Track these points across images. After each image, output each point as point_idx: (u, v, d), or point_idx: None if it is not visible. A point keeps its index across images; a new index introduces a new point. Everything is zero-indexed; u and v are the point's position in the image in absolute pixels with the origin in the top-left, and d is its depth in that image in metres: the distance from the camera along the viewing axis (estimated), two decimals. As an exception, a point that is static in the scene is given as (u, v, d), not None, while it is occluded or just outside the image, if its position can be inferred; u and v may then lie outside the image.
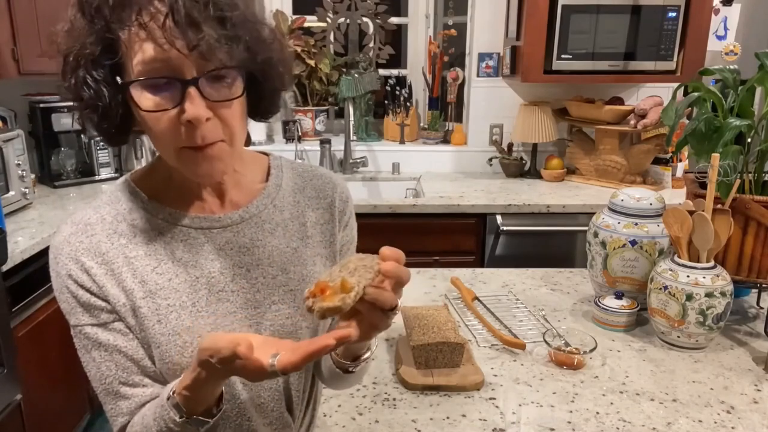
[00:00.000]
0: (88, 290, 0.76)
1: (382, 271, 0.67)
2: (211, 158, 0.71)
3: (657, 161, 2.82)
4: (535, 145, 2.97)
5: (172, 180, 0.81)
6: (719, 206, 1.24)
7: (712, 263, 1.24)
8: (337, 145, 3.02)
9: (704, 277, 1.21)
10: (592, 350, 1.20)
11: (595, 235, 1.44)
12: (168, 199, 0.81)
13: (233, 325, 0.80)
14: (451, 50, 3.13)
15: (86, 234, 0.77)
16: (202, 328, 0.78)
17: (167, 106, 0.68)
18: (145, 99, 0.68)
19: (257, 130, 3.00)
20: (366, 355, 0.82)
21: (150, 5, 0.65)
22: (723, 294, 1.21)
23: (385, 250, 0.68)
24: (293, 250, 0.85)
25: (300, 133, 3.08)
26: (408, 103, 3.16)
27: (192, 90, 0.67)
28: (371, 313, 0.68)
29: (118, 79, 0.69)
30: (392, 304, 0.68)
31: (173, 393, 0.72)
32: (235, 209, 0.83)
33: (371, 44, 3.15)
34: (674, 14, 2.53)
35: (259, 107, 0.80)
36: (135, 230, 0.79)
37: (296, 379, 0.86)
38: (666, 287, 1.25)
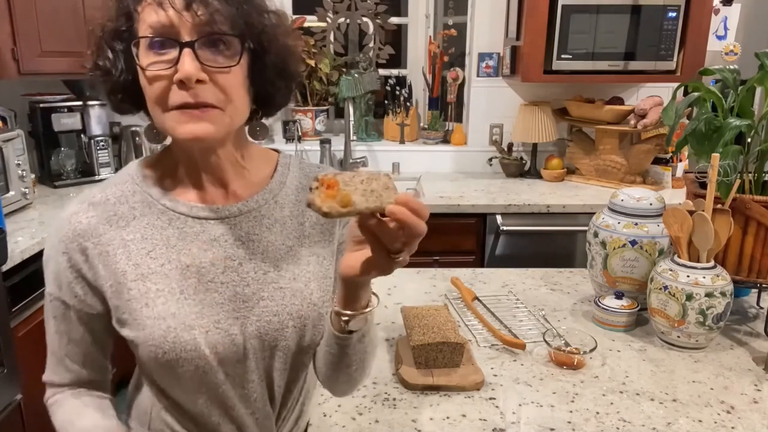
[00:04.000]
0: (75, 270, 0.81)
1: (387, 211, 0.63)
2: (199, 119, 0.73)
3: (657, 161, 2.82)
4: (535, 145, 2.97)
5: (178, 168, 0.84)
6: (719, 206, 1.24)
7: (712, 263, 1.24)
8: (337, 145, 3.02)
9: (704, 277, 1.21)
10: (592, 350, 1.20)
11: (595, 235, 1.44)
12: (172, 187, 0.84)
13: (218, 316, 0.81)
14: (451, 50, 3.13)
15: (87, 215, 0.81)
16: (187, 316, 0.79)
17: (165, 66, 0.72)
18: (146, 58, 0.73)
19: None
20: (366, 312, 0.78)
21: None
22: (723, 294, 1.21)
23: (402, 195, 0.64)
24: (288, 248, 0.86)
25: (300, 133, 3.08)
26: (408, 103, 3.16)
27: (187, 51, 0.71)
28: (376, 252, 0.67)
29: (134, 48, 0.74)
30: (393, 246, 0.65)
31: None
32: (237, 201, 0.84)
33: (371, 44, 3.15)
34: (674, 14, 2.53)
35: (266, 95, 0.82)
36: (135, 213, 0.82)
37: (278, 375, 0.86)
38: (666, 287, 1.25)
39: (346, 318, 0.77)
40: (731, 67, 1.35)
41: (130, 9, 0.74)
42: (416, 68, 3.28)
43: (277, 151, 0.93)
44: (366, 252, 0.68)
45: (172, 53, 0.71)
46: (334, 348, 0.82)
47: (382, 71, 3.21)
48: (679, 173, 2.79)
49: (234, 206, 0.83)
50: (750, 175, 1.33)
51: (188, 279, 0.80)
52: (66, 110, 2.71)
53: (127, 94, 0.78)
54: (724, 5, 2.80)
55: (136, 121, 2.99)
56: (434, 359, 1.15)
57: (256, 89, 0.80)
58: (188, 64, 0.70)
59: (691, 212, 1.26)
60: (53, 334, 0.86)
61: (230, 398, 0.84)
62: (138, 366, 0.88)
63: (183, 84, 0.71)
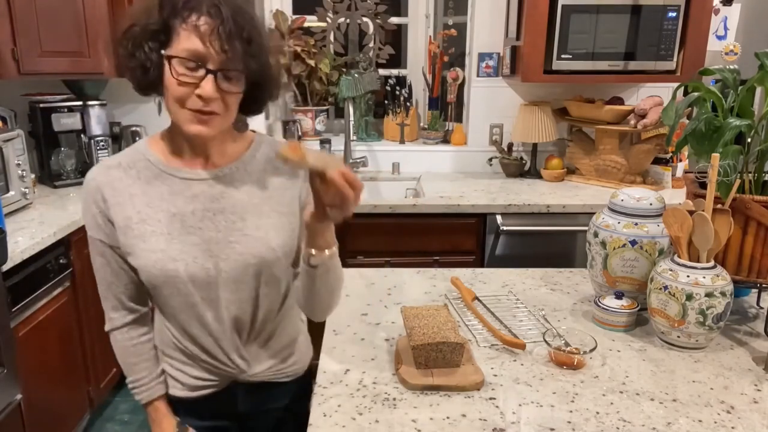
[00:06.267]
0: (102, 214, 1.08)
1: (328, 176, 0.92)
2: (204, 122, 1.00)
3: (657, 161, 2.82)
4: (535, 145, 2.97)
5: (175, 144, 1.10)
6: (719, 206, 1.24)
7: (712, 263, 1.24)
8: (337, 145, 3.02)
9: (704, 277, 1.22)
10: (592, 350, 1.20)
11: (595, 235, 1.44)
12: (168, 156, 1.10)
13: (196, 253, 1.07)
14: (451, 50, 3.13)
15: (106, 174, 1.09)
16: (172, 251, 1.06)
17: (193, 80, 0.97)
18: (180, 69, 0.97)
19: (258, 130, 3.00)
20: (325, 253, 1.05)
21: (207, 15, 0.95)
22: (723, 294, 1.21)
23: (343, 167, 0.92)
24: (254, 205, 1.11)
25: (300, 133, 3.08)
26: (408, 103, 3.16)
27: (211, 77, 0.97)
28: (317, 205, 0.98)
29: (164, 52, 0.97)
30: (328, 201, 0.95)
31: (144, 386, 1.18)
32: (215, 168, 1.10)
33: (371, 44, 3.15)
34: (674, 14, 2.54)
35: (250, 106, 1.09)
36: (140, 174, 1.09)
37: (244, 303, 1.12)
38: (666, 287, 1.25)
39: (312, 254, 1.04)
40: (731, 67, 1.35)
41: (170, 23, 0.97)
42: (416, 68, 3.28)
43: (254, 131, 1.19)
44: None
45: (199, 73, 0.97)
46: (305, 279, 1.10)
47: (382, 71, 3.21)
48: (679, 173, 2.79)
49: (212, 172, 1.10)
50: (750, 175, 1.33)
51: (174, 224, 1.07)
52: (66, 110, 2.71)
53: (150, 82, 1.01)
54: (724, 5, 2.80)
55: (136, 121, 3.00)
56: (434, 359, 1.15)
57: (246, 102, 1.06)
58: (210, 87, 0.97)
59: (691, 212, 1.26)
60: (101, 267, 1.13)
61: (205, 316, 1.10)
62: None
63: (201, 97, 0.97)
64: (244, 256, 1.08)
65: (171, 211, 1.07)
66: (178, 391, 1.20)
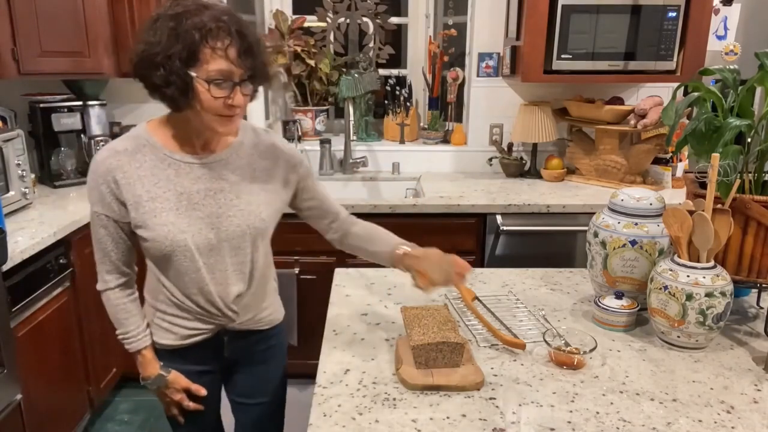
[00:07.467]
0: (112, 193, 1.22)
1: (453, 278, 1.29)
2: (232, 122, 1.19)
3: (657, 161, 2.81)
4: (535, 145, 2.97)
5: (177, 132, 1.26)
6: (719, 206, 1.24)
7: (712, 263, 1.24)
8: (337, 145, 3.02)
9: (704, 277, 1.22)
10: (592, 350, 1.21)
11: (595, 235, 1.44)
12: (170, 142, 1.26)
13: (201, 226, 1.25)
14: (451, 50, 3.13)
15: (116, 158, 1.23)
16: (181, 224, 1.23)
17: (225, 94, 1.15)
18: (213, 88, 1.13)
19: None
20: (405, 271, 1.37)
21: (228, 39, 1.12)
22: (723, 294, 1.21)
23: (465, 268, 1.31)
24: (245, 185, 1.30)
25: (300, 133, 3.08)
26: (408, 103, 3.16)
27: (238, 88, 1.16)
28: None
29: (193, 73, 1.12)
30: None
31: (136, 338, 1.34)
32: (212, 154, 1.28)
33: (371, 44, 3.15)
34: (674, 14, 2.53)
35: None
36: (145, 158, 1.24)
37: (239, 267, 1.31)
38: (666, 287, 1.25)
39: (400, 268, 1.37)
40: (731, 67, 1.35)
41: (194, 48, 1.10)
42: (416, 68, 3.28)
43: None
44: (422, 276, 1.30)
45: (228, 86, 1.14)
46: (379, 260, 1.44)
47: (382, 71, 3.21)
48: (679, 173, 2.79)
49: (210, 156, 1.27)
50: (750, 175, 1.33)
51: (182, 201, 1.24)
52: (66, 110, 2.70)
53: (173, 98, 1.16)
54: (724, 5, 2.80)
55: (136, 121, 3.00)
56: (434, 359, 1.15)
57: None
58: (240, 97, 1.16)
59: (691, 212, 1.26)
60: (103, 237, 1.27)
61: (204, 278, 1.28)
62: (148, 260, 1.31)
63: (233, 106, 1.16)
64: (241, 227, 1.28)
65: (178, 191, 1.24)
66: (170, 341, 1.35)
